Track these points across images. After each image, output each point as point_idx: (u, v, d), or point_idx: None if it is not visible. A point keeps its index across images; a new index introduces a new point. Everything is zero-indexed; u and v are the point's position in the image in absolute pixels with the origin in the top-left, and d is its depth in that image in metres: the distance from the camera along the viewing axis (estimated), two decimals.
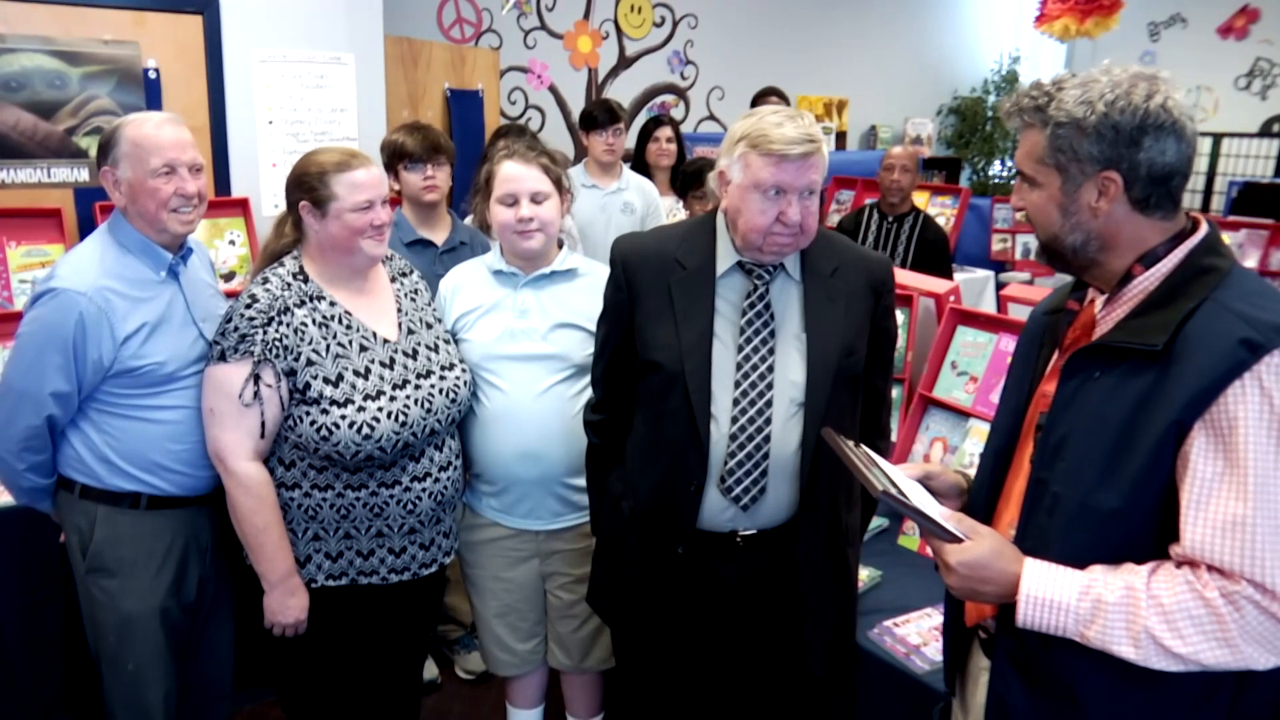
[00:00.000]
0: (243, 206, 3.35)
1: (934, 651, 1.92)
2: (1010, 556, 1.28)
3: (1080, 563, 1.23)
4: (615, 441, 1.96)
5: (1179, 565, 1.18)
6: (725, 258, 1.81)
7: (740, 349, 1.77)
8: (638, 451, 1.89)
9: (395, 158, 2.81)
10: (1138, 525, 1.21)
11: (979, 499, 1.46)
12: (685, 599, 1.84)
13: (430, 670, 2.93)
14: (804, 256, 1.81)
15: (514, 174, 2.12)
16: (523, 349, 2.12)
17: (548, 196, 2.13)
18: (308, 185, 1.96)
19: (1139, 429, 1.19)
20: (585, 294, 2.17)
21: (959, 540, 1.30)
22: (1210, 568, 1.15)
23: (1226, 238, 1.41)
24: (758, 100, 4.95)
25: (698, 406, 1.74)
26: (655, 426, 1.83)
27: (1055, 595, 1.22)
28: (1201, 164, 7.83)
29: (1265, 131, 8.04)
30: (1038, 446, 1.33)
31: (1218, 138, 8.06)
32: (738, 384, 1.75)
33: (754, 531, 1.81)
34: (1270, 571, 1.11)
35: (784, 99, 4.96)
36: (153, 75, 3.18)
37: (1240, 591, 1.12)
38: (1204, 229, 1.27)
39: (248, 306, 1.91)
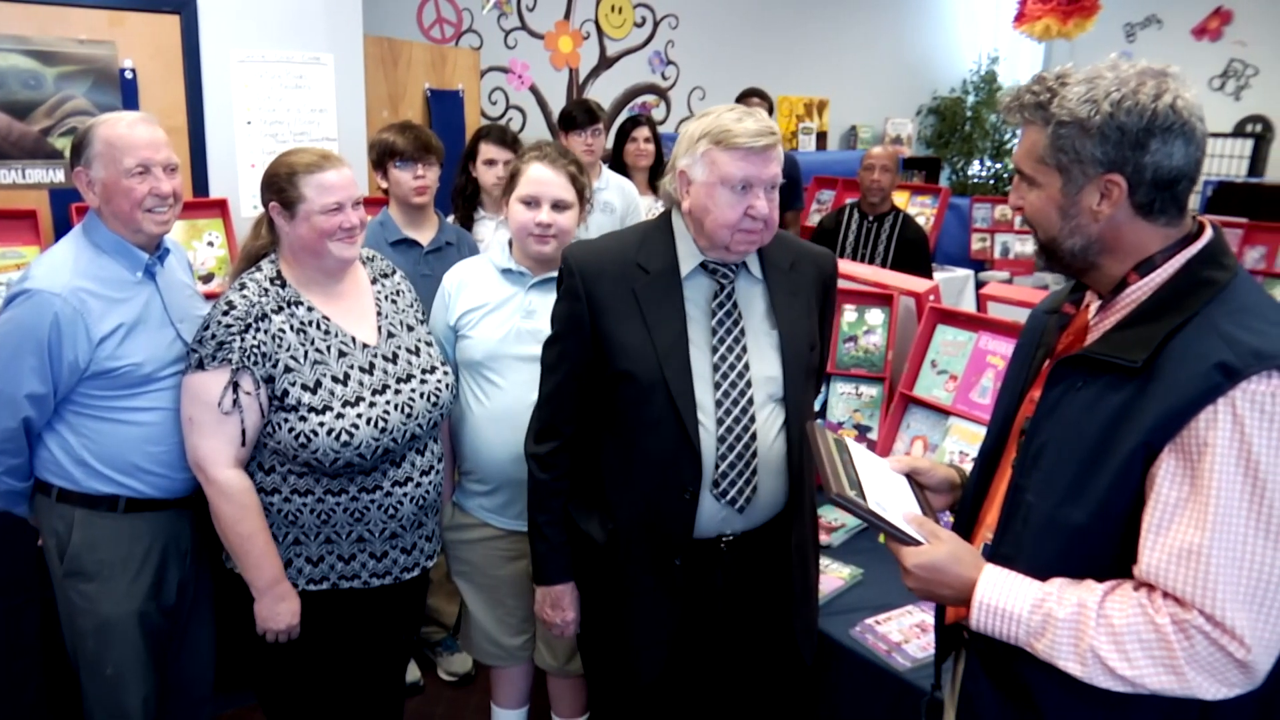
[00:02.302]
0: (221, 207, 3.32)
1: (915, 649, 1.93)
2: (969, 562, 1.27)
3: (1045, 574, 1.21)
4: (563, 475, 1.88)
5: (1137, 587, 1.15)
6: (688, 259, 1.79)
7: (715, 349, 1.76)
8: (614, 470, 1.83)
9: (385, 156, 2.78)
10: (1102, 543, 1.19)
11: (967, 497, 1.46)
12: (674, 610, 1.83)
13: (413, 673, 2.92)
14: (761, 254, 1.83)
15: (540, 177, 2.12)
16: (528, 349, 2.10)
17: (569, 206, 2.14)
18: (277, 186, 1.95)
19: (1110, 446, 1.16)
20: None
21: (917, 543, 1.29)
22: (1166, 593, 1.12)
23: None
24: (740, 101, 4.97)
25: (684, 411, 1.71)
26: (634, 440, 1.78)
27: (1008, 604, 1.21)
28: None
29: (1239, 131, 8.13)
30: (1019, 452, 1.31)
31: None
32: (717, 385, 1.74)
33: (739, 534, 1.81)
34: (1222, 604, 1.08)
35: (766, 99, 4.97)
36: (129, 75, 3.15)
37: (1191, 620, 1.10)
38: (1207, 236, 1.22)
39: (225, 314, 1.89)
